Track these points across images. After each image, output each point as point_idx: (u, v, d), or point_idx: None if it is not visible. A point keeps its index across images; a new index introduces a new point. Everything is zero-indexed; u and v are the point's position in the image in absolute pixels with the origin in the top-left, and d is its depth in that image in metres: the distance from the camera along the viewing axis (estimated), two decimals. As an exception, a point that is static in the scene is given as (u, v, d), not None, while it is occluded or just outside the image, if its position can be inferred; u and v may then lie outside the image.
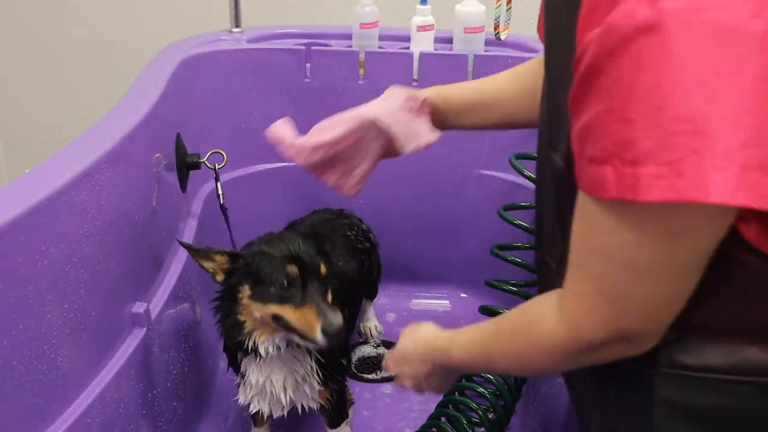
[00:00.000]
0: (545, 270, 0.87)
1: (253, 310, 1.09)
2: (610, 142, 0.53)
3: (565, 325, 0.68)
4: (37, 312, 0.86)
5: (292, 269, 1.05)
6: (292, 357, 1.15)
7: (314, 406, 1.24)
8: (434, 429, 1.37)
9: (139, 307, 1.12)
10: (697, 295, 0.61)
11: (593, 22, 0.56)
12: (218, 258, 1.11)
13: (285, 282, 1.05)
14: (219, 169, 1.45)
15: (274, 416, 1.24)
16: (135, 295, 1.14)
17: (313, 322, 1.03)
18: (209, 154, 1.46)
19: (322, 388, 1.21)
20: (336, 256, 1.22)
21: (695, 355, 0.65)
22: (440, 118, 1.05)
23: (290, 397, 1.18)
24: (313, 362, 1.17)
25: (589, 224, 0.62)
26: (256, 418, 1.35)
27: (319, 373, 1.19)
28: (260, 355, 1.11)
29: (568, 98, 0.59)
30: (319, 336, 1.02)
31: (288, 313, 1.05)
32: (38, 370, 0.87)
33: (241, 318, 1.11)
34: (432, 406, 1.44)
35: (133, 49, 2.31)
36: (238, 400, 1.24)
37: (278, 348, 1.12)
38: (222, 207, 1.43)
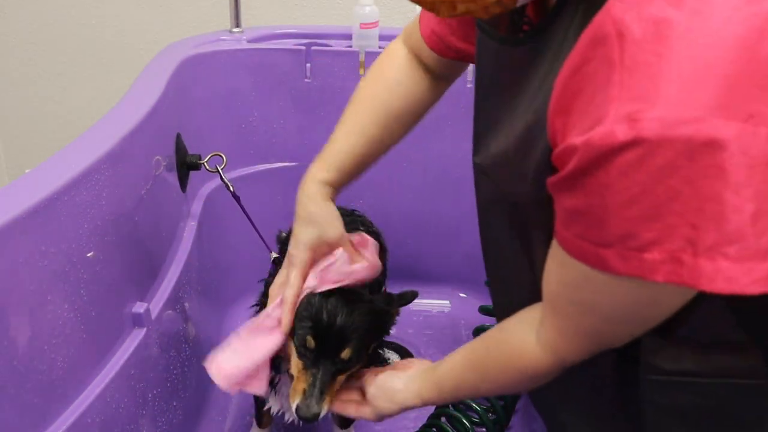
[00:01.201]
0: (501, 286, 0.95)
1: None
2: (608, 233, 0.57)
3: (550, 355, 0.75)
4: (37, 312, 0.86)
5: (310, 341, 1.00)
6: None
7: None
8: (434, 429, 1.37)
9: (139, 307, 1.12)
10: (674, 315, 0.66)
11: (562, 114, 0.60)
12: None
13: (303, 347, 1.00)
14: (221, 169, 1.45)
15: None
16: (135, 295, 1.14)
17: (297, 393, 1.00)
18: (209, 156, 1.46)
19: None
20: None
21: (674, 362, 0.70)
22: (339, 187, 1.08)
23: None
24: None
25: (575, 281, 0.66)
26: (262, 420, 1.34)
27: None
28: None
29: (549, 184, 0.63)
30: (293, 407, 1.00)
31: (295, 368, 1.02)
32: (38, 370, 0.87)
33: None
34: (432, 406, 1.44)
35: (133, 49, 2.31)
36: (240, 399, 1.23)
37: None
38: (234, 195, 1.43)
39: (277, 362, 1.15)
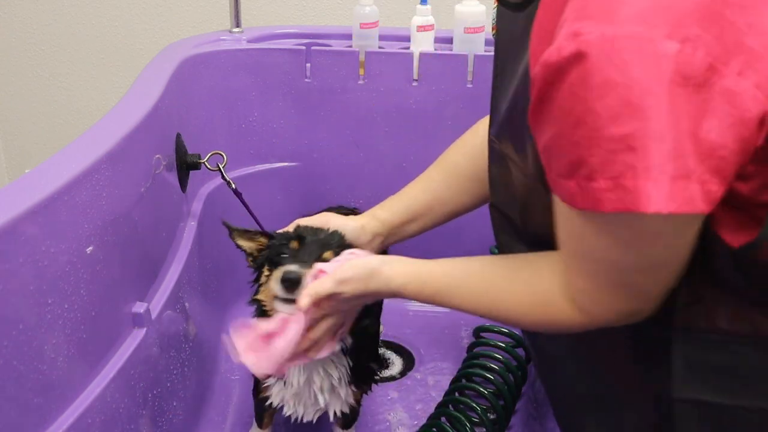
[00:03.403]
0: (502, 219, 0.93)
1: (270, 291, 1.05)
2: (567, 161, 0.60)
3: (580, 313, 0.73)
4: (37, 312, 0.86)
5: (294, 244, 1.04)
6: (328, 360, 1.13)
7: (346, 410, 1.22)
8: (434, 429, 1.37)
9: (139, 307, 1.12)
10: (701, 274, 0.67)
11: (535, 56, 0.64)
12: (260, 239, 1.11)
13: (287, 254, 1.03)
14: (222, 167, 1.45)
15: (305, 420, 1.22)
16: (135, 295, 1.14)
17: (278, 275, 0.98)
18: (209, 155, 1.46)
19: (356, 391, 1.20)
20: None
21: (707, 318, 0.70)
22: (382, 240, 1.08)
23: (326, 399, 1.16)
24: (347, 366, 1.15)
25: (573, 231, 0.68)
26: (263, 420, 1.34)
27: (352, 377, 1.17)
28: None
29: (528, 120, 0.65)
30: (277, 287, 0.97)
31: (273, 277, 1.02)
32: (38, 370, 0.87)
33: (267, 308, 1.07)
34: (432, 406, 1.44)
35: (133, 49, 2.31)
36: (240, 399, 1.23)
37: None
38: (236, 192, 1.43)
39: None
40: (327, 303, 0.92)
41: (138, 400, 1.11)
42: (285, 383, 1.17)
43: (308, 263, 0.99)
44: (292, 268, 0.98)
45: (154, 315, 1.16)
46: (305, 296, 0.91)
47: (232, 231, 1.13)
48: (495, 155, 0.88)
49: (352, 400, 1.21)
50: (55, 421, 0.91)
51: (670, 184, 0.55)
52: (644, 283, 0.68)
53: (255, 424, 1.36)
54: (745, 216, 0.63)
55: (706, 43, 0.54)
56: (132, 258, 1.13)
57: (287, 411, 1.20)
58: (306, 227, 1.07)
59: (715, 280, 0.68)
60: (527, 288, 0.79)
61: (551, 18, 0.62)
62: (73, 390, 0.95)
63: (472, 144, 1.05)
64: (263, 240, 1.13)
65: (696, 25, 0.54)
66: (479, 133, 1.03)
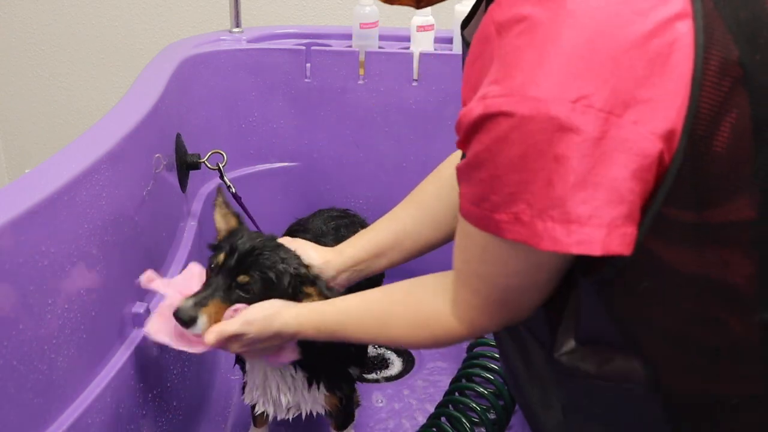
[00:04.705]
0: None
1: None
2: (475, 191, 0.68)
3: (464, 325, 0.81)
4: (37, 312, 0.86)
5: (219, 257, 1.02)
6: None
7: (320, 411, 1.23)
8: (434, 429, 1.37)
9: (139, 307, 1.12)
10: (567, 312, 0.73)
11: (467, 98, 0.71)
12: (231, 222, 1.11)
13: (211, 269, 1.03)
14: (223, 167, 1.45)
15: (278, 418, 1.23)
16: (135, 295, 1.14)
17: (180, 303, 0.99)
18: (209, 154, 1.46)
19: (328, 394, 1.20)
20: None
21: (579, 361, 0.73)
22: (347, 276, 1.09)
23: (290, 400, 1.17)
24: (299, 371, 1.14)
25: (471, 249, 0.74)
26: (257, 419, 1.35)
27: (324, 381, 1.17)
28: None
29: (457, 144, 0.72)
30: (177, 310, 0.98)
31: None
32: (38, 370, 0.87)
33: None
34: (432, 406, 1.44)
35: (133, 49, 2.31)
36: (240, 400, 1.23)
37: None
38: (235, 196, 1.43)
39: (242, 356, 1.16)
40: (235, 341, 0.97)
41: (138, 400, 1.11)
42: (249, 383, 1.18)
43: (212, 296, 0.99)
44: (185, 306, 0.97)
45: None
46: (211, 333, 0.96)
47: (217, 200, 1.13)
48: None
49: (324, 403, 1.20)
50: (55, 421, 0.91)
51: (561, 226, 0.61)
52: (528, 300, 0.75)
53: (252, 424, 1.37)
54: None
55: (601, 99, 0.59)
56: (132, 258, 1.13)
57: (258, 409, 1.20)
58: (248, 238, 1.05)
59: None
60: (415, 307, 0.87)
61: (475, 75, 0.69)
62: (73, 390, 0.95)
63: (444, 176, 1.06)
64: (234, 224, 1.11)
65: (590, 84, 0.59)
66: (452, 164, 1.04)
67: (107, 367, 1.03)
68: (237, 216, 1.13)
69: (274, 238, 1.09)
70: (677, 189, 0.61)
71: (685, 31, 0.60)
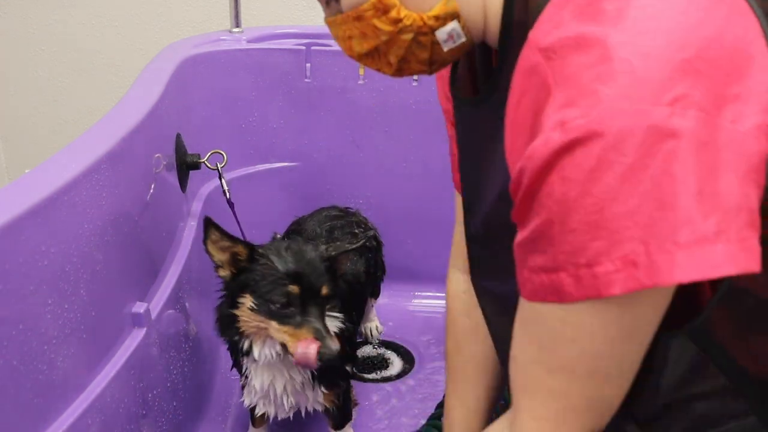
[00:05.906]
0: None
1: (252, 320, 1.09)
2: (559, 251, 0.56)
3: None
4: (37, 312, 0.86)
5: (293, 289, 1.05)
6: (290, 363, 1.15)
7: (319, 408, 1.24)
8: (434, 429, 1.37)
9: (139, 307, 1.12)
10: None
11: (515, 151, 0.62)
12: (239, 249, 1.10)
13: (285, 301, 1.05)
14: (221, 168, 1.45)
15: (279, 418, 1.24)
16: (135, 295, 1.14)
17: (297, 342, 1.04)
18: (209, 154, 1.46)
19: (327, 392, 1.21)
20: (344, 266, 1.19)
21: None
22: None
23: (292, 400, 1.18)
24: (305, 371, 1.17)
25: (546, 338, 0.62)
26: (256, 420, 1.35)
27: (320, 378, 1.18)
28: (255, 359, 1.12)
29: (512, 218, 0.62)
30: (309, 353, 1.03)
31: (286, 335, 1.05)
32: (38, 370, 0.87)
33: (239, 323, 1.11)
34: (432, 406, 1.44)
35: (134, 49, 2.31)
36: (240, 401, 1.24)
37: (277, 354, 1.12)
38: (229, 202, 1.43)
39: (236, 357, 1.16)
40: None
41: (138, 400, 1.11)
42: (249, 386, 1.19)
43: (324, 328, 1.05)
44: (334, 348, 1.02)
45: (154, 315, 1.16)
46: None
47: (207, 236, 1.10)
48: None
49: (323, 401, 1.23)
50: (55, 421, 0.91)
51: (689, 250, 0.52)
52: (610, 395, 0.62)
53: (251, 424, 1.37)
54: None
55: (696, 100, 0.53)
56: (132, 258, 1.13)
57: (259, 411, 1.22)
58: (297, 256, 1.08)
59: None
60: None
61: (524, 113, 0.60)
62: (73, 390, 0.95)
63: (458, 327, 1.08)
64: (242, 250, 1.10)
65: (682, 84, 0.53)
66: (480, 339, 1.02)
67: (107, 367, 1.03)
68: (230, 237, 1.11)
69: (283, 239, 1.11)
70: None
71: (751, 22, 0.57)
